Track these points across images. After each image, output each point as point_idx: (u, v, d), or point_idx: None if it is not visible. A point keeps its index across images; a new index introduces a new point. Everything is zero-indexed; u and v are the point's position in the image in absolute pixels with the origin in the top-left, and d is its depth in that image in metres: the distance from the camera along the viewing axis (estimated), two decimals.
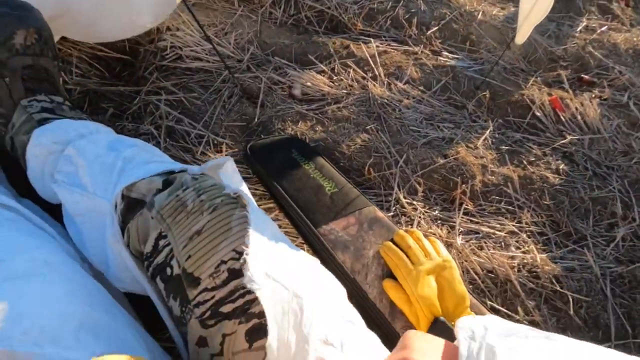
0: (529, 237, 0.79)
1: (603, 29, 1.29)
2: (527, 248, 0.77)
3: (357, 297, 0.61)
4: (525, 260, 0.74)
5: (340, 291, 0.48)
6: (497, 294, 0.70)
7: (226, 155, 0.80)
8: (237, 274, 0.39)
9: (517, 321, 0.67)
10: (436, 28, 1.17)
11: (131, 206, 0.47)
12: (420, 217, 0.78)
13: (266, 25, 1.08)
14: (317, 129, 0.88)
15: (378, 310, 0.60)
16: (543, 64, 1.16)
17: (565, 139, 0.97)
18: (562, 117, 1.01)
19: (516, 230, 0.80)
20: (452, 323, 0.56)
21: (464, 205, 0.81)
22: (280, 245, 0.46)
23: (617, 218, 0.83)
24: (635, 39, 1.26)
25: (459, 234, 0.77)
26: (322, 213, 0.69)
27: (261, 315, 0.37)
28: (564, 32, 1.26)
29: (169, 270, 0.41)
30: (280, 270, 0.41)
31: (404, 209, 0.79)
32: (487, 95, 1.03)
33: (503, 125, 1.00)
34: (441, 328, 0.55)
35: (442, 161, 0.86)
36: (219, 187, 0.46)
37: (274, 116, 0.87)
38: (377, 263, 0.64)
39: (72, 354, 0.34)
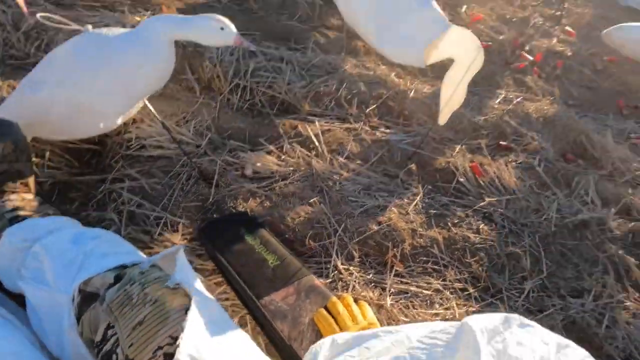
0: (452, 294, 0.90)
1: (518, 99, 1.51)
2: (449, 305, 0.87)
3: None
4: (446, 317, 0.85)
5: None
6: None
7: (182, 234, 0.91)
8: (171, 357, 0.48)
9: None
10: (374, 106, 1.34)
11: (86, 299, 0.56)
12: (355, 281, 0.88)
13: (224, 111, 1.23)
14: (266, 204, 0.99)
15: None
16: (467, 133, 1.34)
17: (484, 201, 1.11)
18: (481, 182, 1.16)
19: (441, 288, 0.91)
20: None
21: (394, 268, 0.93)
22: (217, 327, 0.55)
23: (526, 272, 0.96)
24: (545, 107, 1.47)
25: (390, 295, 0.87)
26: (264, 285, 0.79)
27: None
28: (485, 104, 1.46)
29: (114, 357, 0.50)
30: (209, 351, 0.50)
31: (341, 275, 0.89)
32: (418, 164, 1.18)
33: (432, 190, 1.14)
34: None
35: (376, 228, 0.98)
36: (163, 279, 0.56)
37: (227, 195, 0.99)
38: (312, 329, 0.74)
39: None
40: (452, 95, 1.04)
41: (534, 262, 0.99)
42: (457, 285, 0.92)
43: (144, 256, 0.69)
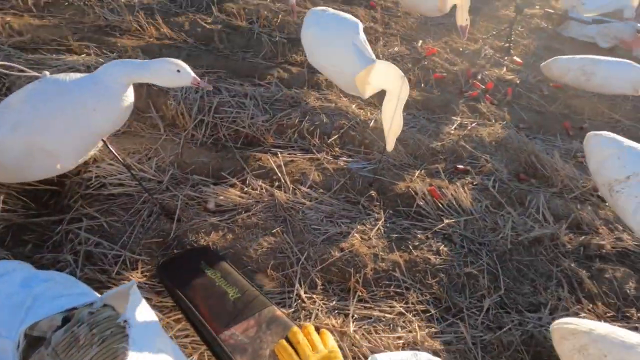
0: (414, 316, 0.92)
1: (473, 125, 1.60)
2: (411, 327, 0.89)
3: None
4: (409, 340, 0.86)
5: None
6: None
7: (141, 271, 0.89)
8: None
9: None
10: (336, 136, 1.40)
11: (32, 344, 0.55)
12: (318, 309, 0.89)
13: (187, 146, 1.25)
14: (228, 237, 1.00)
15: None
16: (426, 158, 1.40)
17: (443, 222, 1.15)
18: (440, 204, 1.21)
19: (403, 311, 0.92)
20: None
21: (357, 293, 0.94)
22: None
23: (485, 289, 0.99)
24: (497, 131, 1.56)
25: (353, 321, 0.88)
26: (224, 319, 0.78)
27: None
28: (442, 130, 1.54)
29: None
30: None
31: (304, 304, 0.89)
32: (379, 190, 1.22)
33: (393, 214, 1.18)
34: None
35: (338, 254, 1.00)
36: (112, 318, 0.56)
37: (189, 230, 0.99)
38: None
39: None
40: (392, 122, 1.11)
41: (492, 280, 1.02)
42: (420, 307, 0.94)
43: (99, 296, 0.68)
